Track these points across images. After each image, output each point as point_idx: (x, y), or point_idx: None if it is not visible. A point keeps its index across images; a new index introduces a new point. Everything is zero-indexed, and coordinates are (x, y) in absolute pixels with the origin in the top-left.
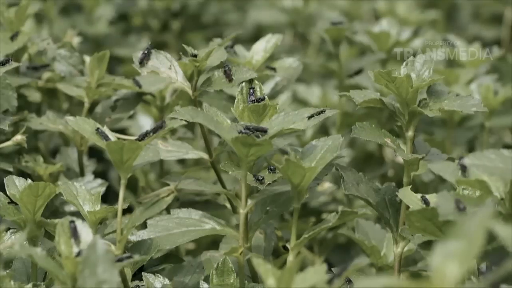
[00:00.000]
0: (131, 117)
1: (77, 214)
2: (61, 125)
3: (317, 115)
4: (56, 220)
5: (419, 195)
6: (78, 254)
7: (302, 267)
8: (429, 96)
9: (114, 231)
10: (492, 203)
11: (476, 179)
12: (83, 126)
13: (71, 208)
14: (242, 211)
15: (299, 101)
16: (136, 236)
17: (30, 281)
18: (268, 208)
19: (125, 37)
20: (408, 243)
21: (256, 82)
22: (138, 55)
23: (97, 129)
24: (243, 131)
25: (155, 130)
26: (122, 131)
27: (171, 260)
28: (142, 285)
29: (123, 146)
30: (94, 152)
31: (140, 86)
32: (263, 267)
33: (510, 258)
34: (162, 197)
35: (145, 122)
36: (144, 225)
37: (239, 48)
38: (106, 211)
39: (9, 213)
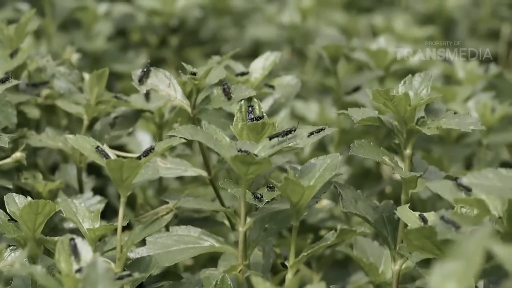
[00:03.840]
0: (129, 133)
1: (76, 231)
2: (60, 142)
3: (317, 133)
4: (56, 238)
5: (417, 213)
6: (78, 271)
7: (300, 284)
8: (427, 114)
9: (113, 249)
10: (490, 222)
11: (474, 197)
12: (83, 144)
13: (70, 225)
14: (241, 229)
15: (297, 118)
16: (135, 253)
17: None
18: (266, 225)
19: (123, 53)
20: (406, 260)
21: (255, 100)
22: (137, 73)
23: (97, 147)
24: None
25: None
26: (121, 147)
27: (170, 277)
28: None
29: (122, 165)
30: (93, 168)
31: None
32: (262, 285)
33: (508, 277)
34: (161, 215)
35: (143, 138)
36: (143, 242)
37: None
38: (105, 229)
39: (9, 230)
